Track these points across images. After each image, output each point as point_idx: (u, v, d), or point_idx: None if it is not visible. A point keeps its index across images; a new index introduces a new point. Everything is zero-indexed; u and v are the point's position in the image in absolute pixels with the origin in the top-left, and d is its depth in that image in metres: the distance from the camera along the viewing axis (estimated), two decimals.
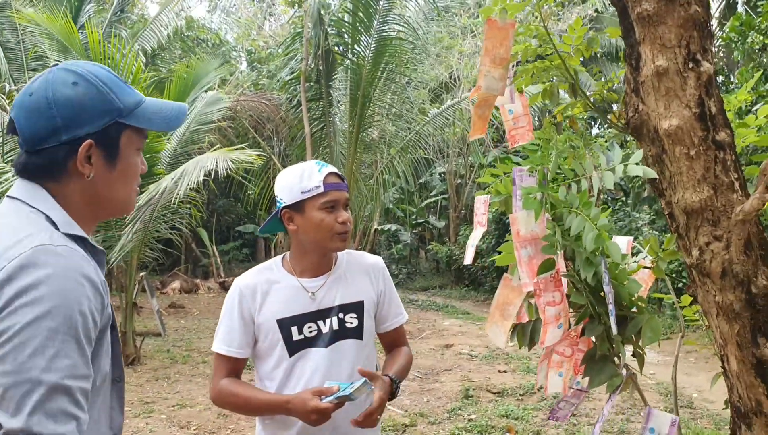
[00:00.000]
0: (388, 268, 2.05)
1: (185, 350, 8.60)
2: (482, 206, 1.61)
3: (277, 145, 16.46)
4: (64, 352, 1.02)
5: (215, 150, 8.04)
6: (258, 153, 8.04)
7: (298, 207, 1.90)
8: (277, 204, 1.95)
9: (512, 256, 1.57)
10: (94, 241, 1.19)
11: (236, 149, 8.03)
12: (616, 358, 1.40)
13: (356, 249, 13.04)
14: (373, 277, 2.04)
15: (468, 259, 1.62)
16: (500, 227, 15.63)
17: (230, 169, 7.76)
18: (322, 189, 1.86)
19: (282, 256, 2.03)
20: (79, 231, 1.19)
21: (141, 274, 9.35)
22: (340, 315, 1.94)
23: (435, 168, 20.39)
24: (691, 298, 1.70)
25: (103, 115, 1.19)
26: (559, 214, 1.45)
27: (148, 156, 8.10)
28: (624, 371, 1.35)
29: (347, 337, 1.93)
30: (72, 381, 1.02)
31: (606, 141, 1.71)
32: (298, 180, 1.89)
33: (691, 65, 1.42)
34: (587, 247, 1.34)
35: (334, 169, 1.94)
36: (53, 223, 1.15)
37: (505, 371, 8.02)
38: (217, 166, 7.61)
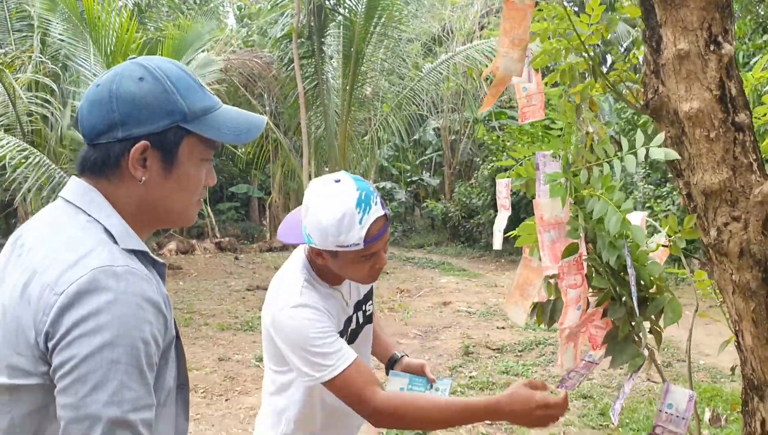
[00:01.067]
0: None
1: (186, 313, 8.68)
2: (504, 190, 1.62)
3: (269, 103, 16.30)
4: (127, 384, 0.99)
5: None
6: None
7: (330, 253, 1.68)
8: (304, 233, 1.69)
9: (532, 237, 1.60)
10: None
11: None
12: (636, 338, 1.44)
13: None
14: None
15: (497, 244, 1.64)
16: (495, 184, 15.63)
17: None
18: (362, 246, 1.62)
19: (304, 270, 1.79)
20: (138, 244, 1.13)
21: None
22: (364, 307, 1.96)
23: (429, 124, 20.30)
24: (704, 274, 1.74)
25: (164, 116, 1.12)
26: (581, 198, 1.47)
27: None
28: (646, 351, 1.40)
29: (366, 323, 1.99)
30: (135, 414, 1.00)
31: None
32: (335, 231, 1.60)
33: (712, 48, 1.42)
34: (611, 231, 1.36)
35: (379, 213, 1.63)
36: (111, 236, 1.09)
37: (503, 328, 8.15)
38: None
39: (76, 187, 1.15)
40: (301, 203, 1.74)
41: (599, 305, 1.43)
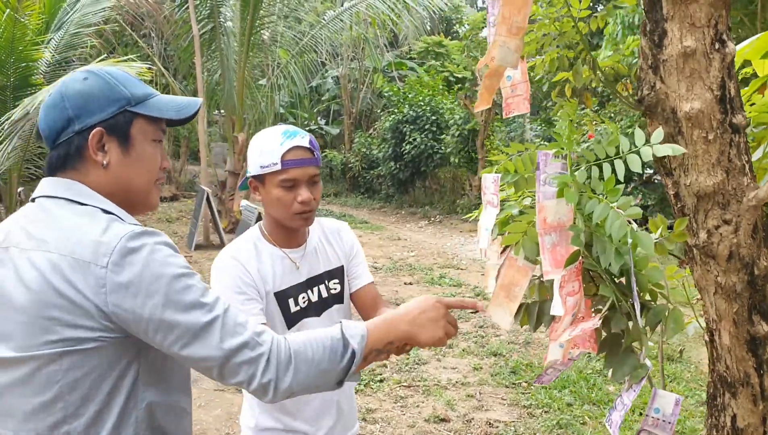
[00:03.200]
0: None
1: None
2: (492, 185, 1.52)
3: (156, 44, 15.30)
4: (202, 291, 1.21)
5: (101, 60, 7.32)
6: (147, 65, 7.39)
7: (259, 179, 1.84)
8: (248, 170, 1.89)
9: (518, 235, 1.52)
10: None
11: (123, 60, 7.35)
12: (635, 347, 1.41)
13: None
14: (343, 240, 2.05)
15: (483, 244, 1.54)
16: (396, 136, 15.67)
17: None
18: (279, 166, 1.77)
19: (258, 226, 1.96)
20: (134, 221, 1.27)
21: (20, 189, 8.64)
22: (327, 282, 1.95)
23: (327, 71, 19.90)
24: (675, 269, 1.73)
25: (111, 103, 1.26)
26: (578, 199, 1.39)
27: (22, 65, 7.28)
28: (648, 362, 1.36)
29: (333, 303, 1.96)
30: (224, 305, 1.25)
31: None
32: (258, 153, 1.80)
33: (717, 46, 1.37)
34: (614, 237, 1.30)
35: (302, 142, 1.80)
36: (113, 215, 1.24)
37: (410, 283, 8.24)
38: None
39: (56, 183, 1.26)
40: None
41: (600, 314, 1.38)
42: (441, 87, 16.07)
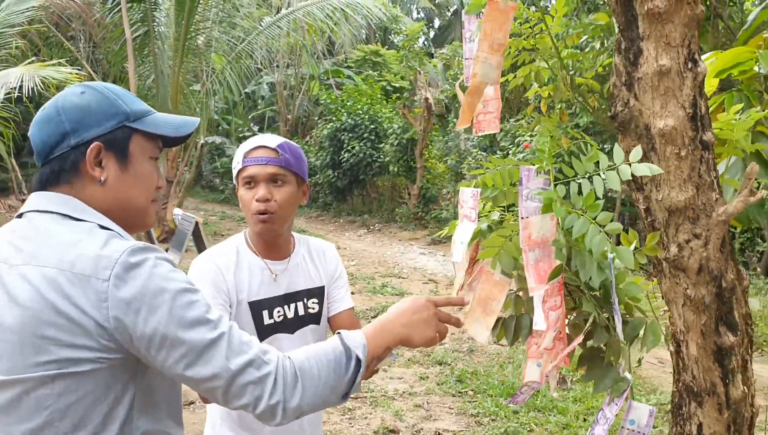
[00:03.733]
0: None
1: None
2: (470, 200, 1.51)
3: (84, 47, 14.74)
4: (200, 308, 1.15)
5: (29, 63, 6.99)
6: (76, 69, 7.10)
7: (236, 180, 1.88)
8: None
9: (495, 250, 1.52)
10: None
11: (52, 64, 7.05)
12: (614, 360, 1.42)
13: (180, 163, 12.36)
14: (327, 261, 2.02)
15: (458, 257, 1.53)
16: (334, 144, 15.62)
17: (40, 86, 6.87)
18: (241, 164, 1.81)
19: (244, 233, 1.94)
20: (129, 237, 1.22)
21: None
22: (305, 300, 1.91)
23: (262, 77, 19.68)
24: (640, 281, 1.77)
25: (110, 118, 1.23)
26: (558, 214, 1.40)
27: None
28: (629, 376, 1.38)
29: (309, 322, 1.92)
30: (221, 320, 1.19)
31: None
32: (234, 157, 1.86)
33: (690, 65, 1.41)
34: (594, 252, 1.31)
35: (267, 143, 1.81)
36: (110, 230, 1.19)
37: (352, 293, 8.19)
38: (23, 82, 6.79)
39: (49, 198, 1.20)
40: None
41: (580, 330, 1.39)
42: (379, 96, 16.13)
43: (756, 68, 1.94)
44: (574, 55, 1.66)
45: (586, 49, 1.67)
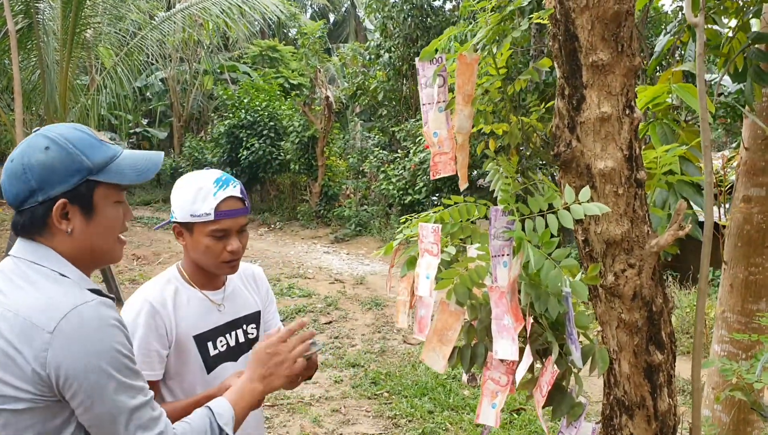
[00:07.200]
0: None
1: None
2: (432, 235, 1.56)
3: None
4: (124, 383, 1.25)
5: None
6: None
7: (187, 227, 1.80)
8: (171, 212, 1.84)
9: (450, 281, 1.59)
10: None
11: None
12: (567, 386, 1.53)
13: None
14: (258, 286, 2.05)
15: (423, 291, 1.58)
16: (231, 140, 15.29)
17: None
18: (212, 217, 1.75)
19: (176, 266, 1.91)
20: (91, 284, 1.33)
21: None
22: (244, 326, 1.93)
23: (153, 72, 18.92)
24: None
25: (73, 174, 1.31)
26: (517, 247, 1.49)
27: None
28: (583, 400, 1.49)
29: (248, 348, 1.93)
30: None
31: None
32: (190, 201, 1.76)
33: (627, 111, 1.53)
34: (550, 287, 1.41)
35: (234, 192, 1.79)
36: (70, 280, 1.29)
37: None
38: None
39: (24, 246, 1.33)
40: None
41: (550, 359, 1.48)
42: (278, 93, 15.93)
43: (669, 100, 2.13)
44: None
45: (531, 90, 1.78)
